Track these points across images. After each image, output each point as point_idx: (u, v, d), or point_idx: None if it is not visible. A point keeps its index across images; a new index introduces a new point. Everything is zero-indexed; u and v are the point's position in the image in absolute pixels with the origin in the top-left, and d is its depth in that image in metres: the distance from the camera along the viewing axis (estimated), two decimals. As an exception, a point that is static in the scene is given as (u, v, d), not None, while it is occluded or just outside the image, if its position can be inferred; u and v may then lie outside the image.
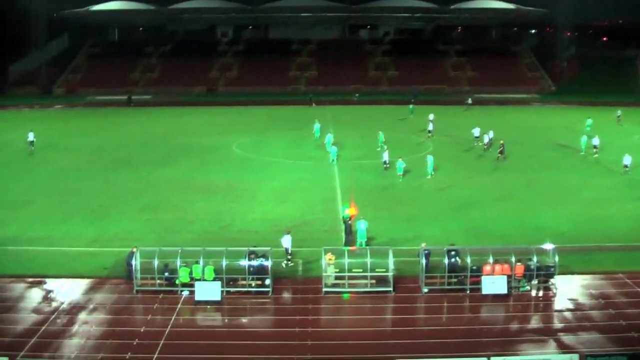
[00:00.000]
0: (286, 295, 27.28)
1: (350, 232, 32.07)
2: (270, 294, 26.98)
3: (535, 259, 27.76)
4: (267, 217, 37.60)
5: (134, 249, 27.98)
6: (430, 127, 62.70)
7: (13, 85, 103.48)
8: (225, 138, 62.31)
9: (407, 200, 41.01)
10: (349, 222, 32.23)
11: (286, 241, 30.13)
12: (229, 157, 54.60)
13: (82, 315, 25.31)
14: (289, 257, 30.16)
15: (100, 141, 61.52)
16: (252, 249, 28.08)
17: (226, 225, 36.26)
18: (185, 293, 26.92)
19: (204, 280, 26.81)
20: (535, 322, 25.05)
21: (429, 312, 25.92)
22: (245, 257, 27.47)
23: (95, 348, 22.89)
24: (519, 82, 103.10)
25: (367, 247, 30.22)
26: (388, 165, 47.88)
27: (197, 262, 27.07)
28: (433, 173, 46.45)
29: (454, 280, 27.48)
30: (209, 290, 26.26)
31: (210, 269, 27.07)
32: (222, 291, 26.50)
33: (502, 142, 51.85)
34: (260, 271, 27.28)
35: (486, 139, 56.09)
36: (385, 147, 55.02)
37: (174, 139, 62.18)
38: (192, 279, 27.05)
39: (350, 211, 33.11)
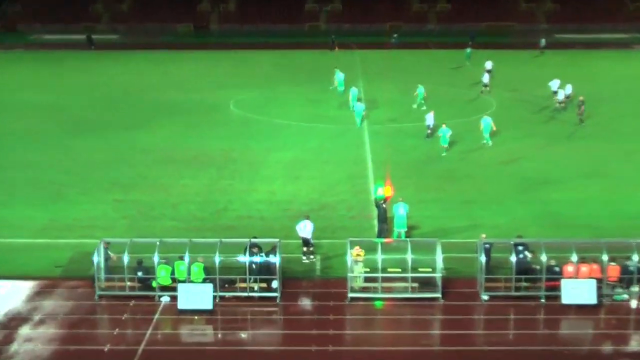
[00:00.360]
0: (300, 302, 27.16)
1: (385, 219, 31.83)
2: (278, 300, 26.90)
3: (636, 257, 27.27)
4: (274, 198, 37.58)
5: (106, 243, 27.95)
6: (486, 78, 62.07)
7: None
8: (220, 93, 62.14)
9: (460, 176, 40.71)
10: (384, 205, 31.99)
11: (305, 229, 30.06)
12: (225, 118, 54.52)
13: (25, 330, 25.25)
14: (311, 248, 30.16)
15: (52, 97, 61.58)
16: (254, 240, 27.94)
17: (221, 209, 36.26)
18: (165, 299, 26.86)
19: (191, 282, 26.73)
20: (636, 344, 24.67)
21: (490, 327, 25.66)
22: (245, 252, 27.36)
23: (44, 373, 23.02)
24: (616, 17, 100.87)
25: (408, 238, 29.99)
26: (431, 132, 47.60)
27: (181, 258, 26.97)
28: (490, 140, 46.27)
29: (523, 284, 27.18)
30: (197, 296, 26.17)
31: (199, 267, 26.98)
32: (214, 297, 26.45)
33: (581, 98, 51.13)
34: (266, 270, 27.14)
35: (561, 95, 55.29)
36: (424, 104, 54.58)
37: (151, 95, 62.15)
38: (174, 280, 26.98)
39: (385, 191, 32.80)
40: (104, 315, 26.35)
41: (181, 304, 26.19)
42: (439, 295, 26.87)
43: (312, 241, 30.16)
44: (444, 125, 45.08)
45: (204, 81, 68.14)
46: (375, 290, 27.20)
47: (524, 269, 27.32)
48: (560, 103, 55.09)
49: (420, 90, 56.18)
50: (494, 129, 46.42)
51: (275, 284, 27.09)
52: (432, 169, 42.19)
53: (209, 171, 42.00)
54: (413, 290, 27.12)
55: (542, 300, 26.83)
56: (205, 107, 57.41)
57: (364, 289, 27.37)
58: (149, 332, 25.02)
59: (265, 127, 51.55)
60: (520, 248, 27.66)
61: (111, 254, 27.67)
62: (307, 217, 30.47)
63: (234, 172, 41.82)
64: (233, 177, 41.06)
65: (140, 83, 67.72)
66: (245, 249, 27.42)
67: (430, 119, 48.11)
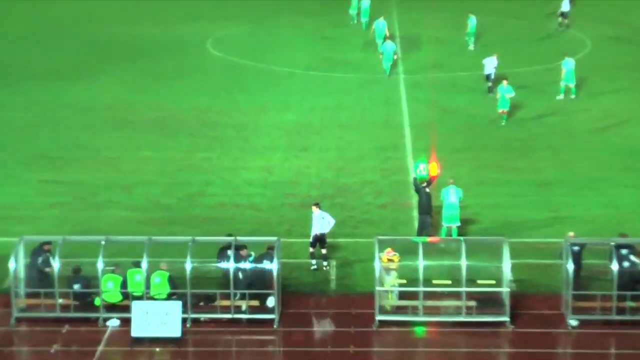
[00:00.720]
0: (307, 328, 27.06)
1: (428, 210, 31.59)
2: (276, 324, 26.72)
3: None
4: (271, 179, 37.67)
5: (46, 244, 27.59)
6: (566, 5, 62.02)
7: None
8: (192, 28, 62.32)
9: (537, 148, 40.70)
10: (427, 189, 31.73)
11: (324, 222, 29.87)
12: (200, 64, 54.77)
13: None
14: (324, 250, 30.01)
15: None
16: (242, 239, 27.74)
17: (195, 193, 36.30)
18: (114, 323, 26.69)
19: (151, 298, 26.65)
20: None
21: (580, 367, 25.62)
22: (228, 255, 27.11)
23: None
24: None
25: (461, 237, 29.74)
26: (492, 84, 47.30)
27: (136, 265, 26.82)
28: (574, 92, 46.52)
29: (629, 304, 26.83)
30: (160, 318, 26.00)
31: (163, 276, 26.81)
32: (184, 320, 26.28)
33: None
34: (259, 282, 27.03)
35: None
36: (472, 41, 54.33)
37: (94, 30, 62.23)
38: (126, 296, 26.91)
39: (429, 170, 32.49)
40: (24, 347, 26.21)
41: (136, 330, 25.93)
42: (506, 318, 26.54)
43: (326, 239, 30.00)
44: (504, 82, 44.50)
45: (170, 11, 68.01)
46: (414, 311, 26.91)
47: (631, 282, 26.96)
48: None
49: (472, 21, 56.03)
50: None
51: (271, 302, 26.87)
52: (496, 137, 42.07)
53: (177, 139, 41.99)
54: (469, 311, 26.80)
55: (658, 328, 26.59)
56: (172, 48, 57.41)
57: (398, 310, 27.14)
58: (89, 371, 24.98)
59: (259, 77, 51.50)
60: (625, 252, 27.27)
61: (53, 261, 27.39)
62: (317, 206, 30.24)
63: (214, 141, 41.82)
64: (212, 148, 41.08)
65: (78, 13, 67.56)
66: (226, 250, 27.20)
67: (490, 65, 47.95)
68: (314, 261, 29.98)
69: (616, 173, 37.74)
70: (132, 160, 39.53)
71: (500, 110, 43.89)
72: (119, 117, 44.99)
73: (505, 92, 43.87)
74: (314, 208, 30.11)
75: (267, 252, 27.20)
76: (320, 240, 29.89)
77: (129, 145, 41.27)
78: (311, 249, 30.01)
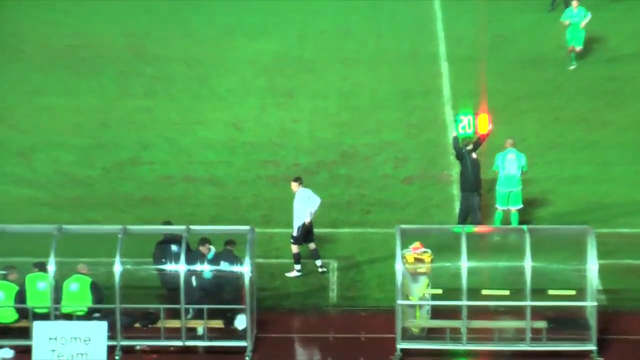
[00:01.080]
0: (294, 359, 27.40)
1: (476, 185, 31.76)
2: (248, 356, 26.85)
3: None
4: (241, 139, 38.09)
5: None
6: None
7: None
8: None
9: (636, 93, 41.06)
10: (474, 155, 31.78)
11: (308, 204, 30.05)
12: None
13: None
14: (312, 245, 30.18)
15: None
16: (197, 229, 27.74)
17: (126, 161, 36.64)
18: (6, 355, 26.77)
19: (62, 316, 26.77)
20: None
21: None
22: (172, 252, 27.33)
23: None
24: None
25: (525, 226, 29.71)
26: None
27: (39, 267, 26.95)
28: None
29: None
30: (76, 348, 26.05)
31: (83, 283, 26.92)
32: (112, 349, 26.27)
33: None
34: (220, 292, 27.23)
35: None
36: None
37: None
38: (24, 313, 27.01)
39: (477, 125, 32.46)
40: None
41: (40, 364, 26.18)
42: (592, 347, 26.60)
43: (312, 229, 30.07)
44: (574, 3, 44.31)
45: None
46: (454, 335, 27.02)
47: None
48: None
49: None
50: None
51: (241, 323, 27.01)
52: (578, 77, 42.49)
53: (100, 81, 42.41)
54: (537, 336, 26.91)
55: None
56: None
57: (430, 334, 27.29)
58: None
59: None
60: None
61: None
62: (299, 182, 30.22)
63: (155, 83, 42.33)
64: (152, 93, 41.51)
65: None
66: (168, 244, 27.46)
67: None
68: (298, 267, 30.15)
69: None
70: (32, 112, 39.87)
71: (570, 47, 43.85)
72: (10, 46, 45.40)
73: (575, 17, 43.76)
74: (294, 185, 30.18)
75: (225, 250, 27.34)
76: (307, 233, 30.00)
77: (26, 89, 41.64)
78: (295, 248, 30.07)
